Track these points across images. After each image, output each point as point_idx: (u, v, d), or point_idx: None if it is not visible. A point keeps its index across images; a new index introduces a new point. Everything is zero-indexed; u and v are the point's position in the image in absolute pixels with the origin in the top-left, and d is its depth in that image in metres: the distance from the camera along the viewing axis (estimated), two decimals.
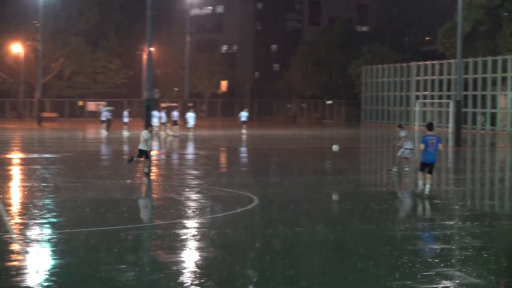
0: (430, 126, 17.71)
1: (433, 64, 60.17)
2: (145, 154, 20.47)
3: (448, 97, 56.86)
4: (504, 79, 52.62)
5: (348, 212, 15.32)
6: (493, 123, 53.05)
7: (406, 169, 22.49)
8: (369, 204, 16.22)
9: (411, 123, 61.50)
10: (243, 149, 34.79)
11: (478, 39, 59.93)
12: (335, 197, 17.90)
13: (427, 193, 17.10)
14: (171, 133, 44.08)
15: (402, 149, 22.50)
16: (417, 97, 61.45)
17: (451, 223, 14.06)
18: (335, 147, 21.00)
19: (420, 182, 17.59)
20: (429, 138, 17.35)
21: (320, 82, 79.46)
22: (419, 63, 62.59)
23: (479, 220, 14.36)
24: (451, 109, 52.79)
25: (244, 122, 49.45)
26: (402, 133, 22.86)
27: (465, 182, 21.41)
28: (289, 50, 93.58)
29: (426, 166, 17.33)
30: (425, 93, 60.55)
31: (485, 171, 24.94)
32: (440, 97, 58.56)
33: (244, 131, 47.49)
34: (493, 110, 53.16)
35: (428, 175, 17.28)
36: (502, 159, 31.12)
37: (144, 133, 20.55)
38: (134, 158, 21.03)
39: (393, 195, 18.49)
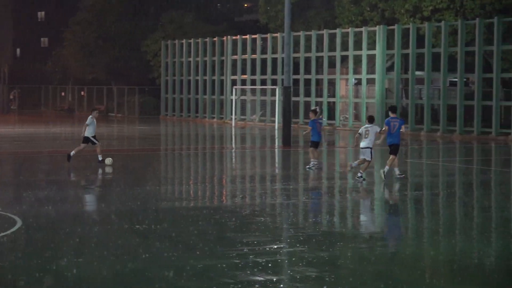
0: (393, 109, 23.94)
1: (254, 39, 61.28)
2: None
3: (274, 82, 58.15)
4: (344, 59, 54.69)
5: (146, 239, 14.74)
6: (331, 116, 54.98)
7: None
8: (196, 223, 15.83)
9: (226, 118, 62.21)
10: None
11: (311, 7, 61.89)
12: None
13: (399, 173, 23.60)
14: None
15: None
16: (234, 82, 62.24)
17: (277, 246, 13.97)
18: (108, 161, 25.02)
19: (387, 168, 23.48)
20: (392, 120, 23.40)
21: (105, 63, 78.34)
22: (235, 37, 63.45)
23: (313, 242, 14.36)
24: (277, 97, 54.00)
25: None
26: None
27: (297, 193, 21.62)
28: (62, 18, 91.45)
29: (391, 147, 23.43)
30: (244, 76, 61.48)
31: (321, 178, 25.41)
32: (264, 82, 59.70)
33: None
34: (332, 99, 55.09)
35: (392, 156, 23.35)
36: (343, 162, 32.01)
37: None
38: None
39: (200, 210, 18.15)
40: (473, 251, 13.90)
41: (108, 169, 26.42)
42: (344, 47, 53.88)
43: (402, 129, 23.63)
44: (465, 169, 28.87)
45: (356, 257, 13.39)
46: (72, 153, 27.77)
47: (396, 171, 23.93)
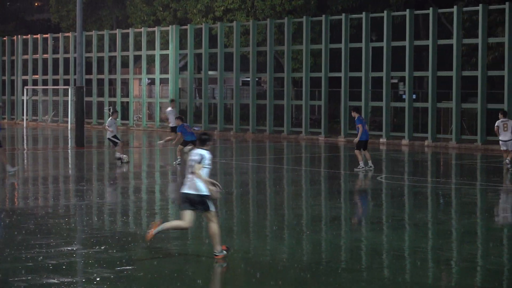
0: (357, 109, 27.78)
1: (45, 39, 60.01)
2: None
3: (67, 82, 57.21)
4: (137, 59, 54.56)
5: None
6: (125, 116, 54.64)
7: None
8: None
9: (17, 118, 60.57)
10: None
11: (103, 7, 61.28)
12: None
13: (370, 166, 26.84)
14: None
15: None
16: (25, 83, 60.74)
17: (72, 248, 13.77)
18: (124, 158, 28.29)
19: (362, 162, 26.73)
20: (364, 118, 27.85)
21: None
22: (26, 36, 61.93)
23: (110, 243, 14.26)
24: (70, 98, 53.19)
25: None
26: None
27: (91, 194, 21.37)
28: None
29: (365, 143, 27.07)
30: (36, 76, 60.09)
31: (104, 175, 25.24)
32: (56, 83, 58.62)
33: None
34: (125, 99, 54.81)
35: (367, 152, 27.13)
36: (137, 162, 31.92)
37: None
38: None
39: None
40: (266, 248, 14.27)
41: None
42: (137, 47, 53.71)
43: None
44: (257, 168, 29.50)
45: (153, 257, 13.40)
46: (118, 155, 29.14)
47: (369, 163, 27.14)
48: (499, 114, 28.49)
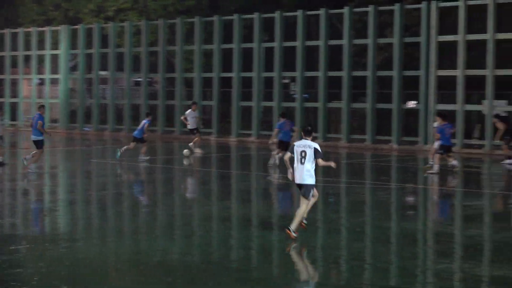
0: (283, 114, 29.13)
1: None
2: None
3: None
4: (27, 59, 53.26)
5: None
6: (14, 116, 53.32)
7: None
8: None
9: None
10: None
11: None
12: None
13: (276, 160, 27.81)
14: None
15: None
16: None
17: None
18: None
19: (277, 157, 27.84)
20: (283, 123, 28.22)
21: None
22: None
23: None
24: None
25: None
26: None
27: None
28: None
29: (284, 144, 27.30)
30: None
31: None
32: None
33: None
34: (14, 100, 53.46)
35: (282, 151, 27.05)
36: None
37: None
38: None
39: None
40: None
41: None
42: (27, 46, 52.46)
43: (295, 129, 28.86)
44: (149, 168, 29.07)
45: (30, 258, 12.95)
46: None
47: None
48: (436, 117, 28.27)
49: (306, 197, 14.79)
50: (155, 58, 47.54)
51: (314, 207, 15.79)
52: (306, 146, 14.68)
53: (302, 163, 14.62)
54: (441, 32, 37.12)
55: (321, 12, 40.37)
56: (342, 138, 39.58)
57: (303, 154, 14.63)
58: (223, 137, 43.39)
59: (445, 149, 26.67)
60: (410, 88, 38.34)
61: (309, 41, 41.59)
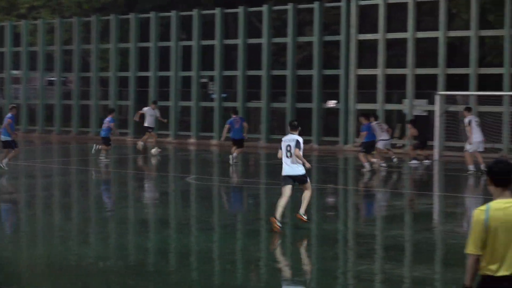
0: (235, 111, 30.53)
1: None
2: None
3: None
4: None
5: None
6: None
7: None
8: None
9: None
10: None
11: None
12: None
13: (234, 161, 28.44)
14: None
15: None
16: None
17: None
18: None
19: (233, 155, 28.55)
20: (235, 119, 29.03)
21: None
22: None
23: None
24: None
25: None
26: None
27: None
28: None
29: (236, 142, 28.69)
30: None
31: None
32: None
33: None
34: None
35: (238, 149, 28.64)
36: None
37: None
38: None
39: None
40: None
41: None
42: None
43: (245, 125, 29.56)
44: (62, 170, 28.49)
45: None
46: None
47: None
48: (370, 117, 28.50)
49: (305, 183, 15.88)
50: (70, 57, 46.76)
51: (227, 209, 15.51)
52: (292, 140, 15.59)
53: (288, 156, 15.58)
54: (361, 30, 37.31)
55: (240, 10, 40.17)
56: (261, 138, 39.42)
57: (288, 148, 15.57)
58: (140, 138, 42.76)
59: (367, 146, 26.93)
60: (330, 87, 38.38)
61: (227, 39, 41.36)
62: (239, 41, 40.33)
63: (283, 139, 15.85)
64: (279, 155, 15.77)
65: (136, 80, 43.87)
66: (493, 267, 6.65)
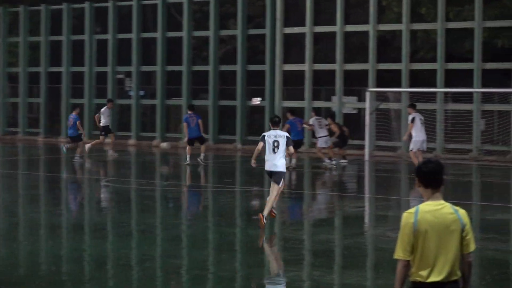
0: (191, 107, 30.43)
1: None
2: None
3: None
4: None
5: None
6: None
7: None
8: None
9: None
10: None
11: None
12: None
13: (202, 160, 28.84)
14: None
15: None
16: None
17: None
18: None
19: (188, 157, 28.69)
20: (190, 116, 29.19)
21: None
22: None
23: None
24: None
25: None
26: None
27: None
28: None
29: (195, 140, 29.06)
30: None
31: None
32: None
33: None
34: None
35: (202, 146, 29.08)
36: None
37: None
38: None
39: None
40: None
41: None
42: None
43: (199, 123, 29.31)
44: None
45: None
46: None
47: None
48: (312, 113, 28.57)
49: (278, 183, 16.39)
50: None
51: (149, 212, 15.45)
52: (278, 136, 16.41)
53: (274, 152, 16.31)
54: (287, 23, 37.48)
55: (158, 1, 39.99)
56: (181, 138, 39.34)
57: (275, 144, 16.30)
58: (52, 137, 42.35)
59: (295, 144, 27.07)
60: (255, 83, 38.47)
61: (145, 33, 41.16)
62: (157, 35, 40.18)
63: (267, 134, 16.54)
64: (259, 147, 16.54)
65: (48, 76, 43.41)
66: (423, 272, 6.62)
